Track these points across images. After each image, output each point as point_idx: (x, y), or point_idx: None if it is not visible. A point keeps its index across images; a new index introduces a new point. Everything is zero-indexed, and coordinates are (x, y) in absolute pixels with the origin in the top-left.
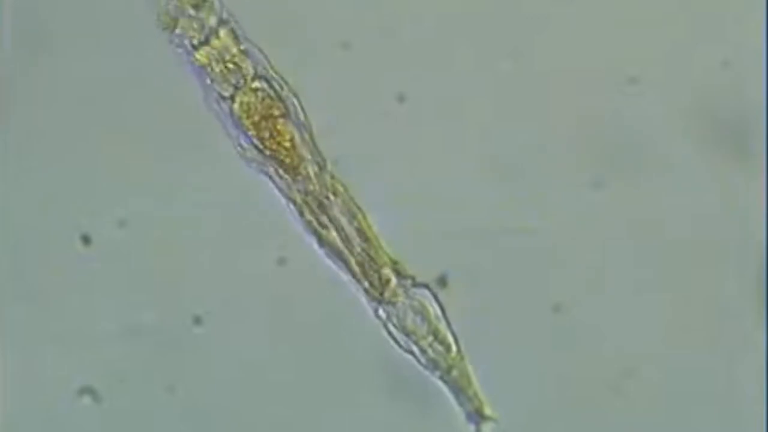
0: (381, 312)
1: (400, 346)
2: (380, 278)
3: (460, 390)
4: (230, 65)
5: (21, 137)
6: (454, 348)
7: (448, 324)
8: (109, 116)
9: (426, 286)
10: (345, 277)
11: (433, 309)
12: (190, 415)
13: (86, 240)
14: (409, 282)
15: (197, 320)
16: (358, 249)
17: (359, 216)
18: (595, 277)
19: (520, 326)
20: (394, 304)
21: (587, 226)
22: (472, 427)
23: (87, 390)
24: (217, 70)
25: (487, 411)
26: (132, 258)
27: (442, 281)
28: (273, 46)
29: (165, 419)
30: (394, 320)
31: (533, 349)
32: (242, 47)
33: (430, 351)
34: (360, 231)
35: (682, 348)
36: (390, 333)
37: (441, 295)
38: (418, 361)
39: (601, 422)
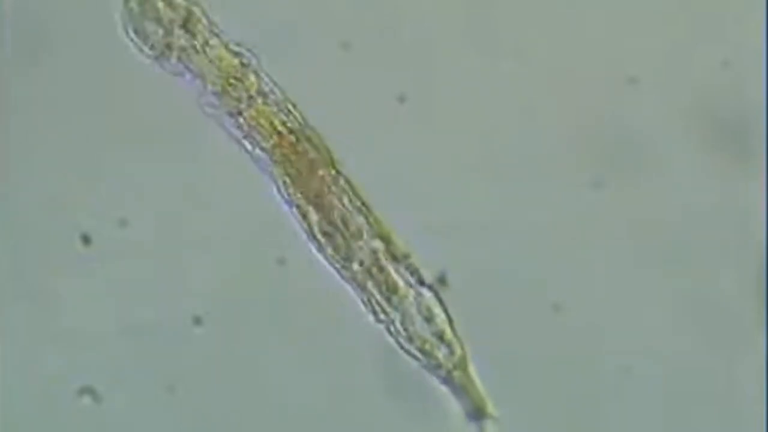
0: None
1: (403, 348)
2: (387, 283)
3: (462, 390)
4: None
5: (21, 137)
6: (458, 350)
7: (453, 327)
8: (109, 116)
9: (430, 286)
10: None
11: (441, 312)
12: (190, 415)
13: (86, 240)
14: (415, 281)
15: (197, 320)
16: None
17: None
18: (595, 277)
19: (520, 326)
20: (401, 307)
21: (587, 226)
22: (472, 426)
23: (87, 390)
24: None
25: (489, 409)
26: (132, 258)
27: (442, 280)
28: (273, 46)
29: (165, 419)
30: (400, 326)
31: (533, 349)
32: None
33: (435, 352)
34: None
35: (682, 348)
36: (395, 338)
37: (441, 295)
38: (421, 363)
39: (600, 422)
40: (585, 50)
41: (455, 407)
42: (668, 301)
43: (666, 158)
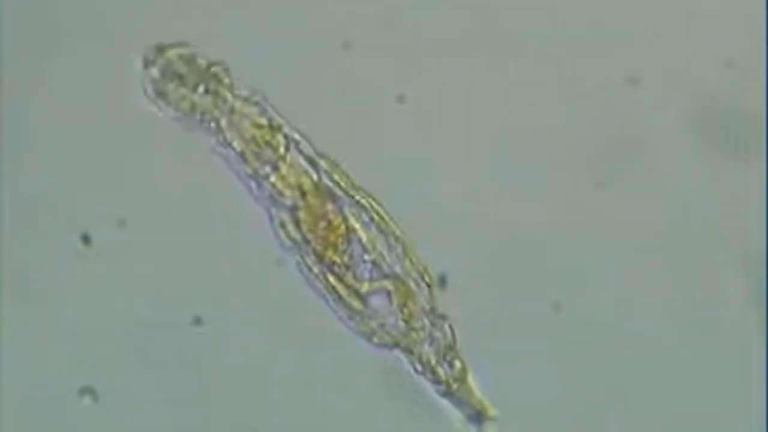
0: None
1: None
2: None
3: (461, 400)
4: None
5: (21, 137)
6: (458, 364)
7: (455, 340)
8: (109, 116)
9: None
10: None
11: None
12: (190, 414)
13: (86, 240)
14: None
15: (197, 320)
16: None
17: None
18: (595, 277)
19: (520, 326)
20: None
21: (589, 225)
22: (472, 428)
23: (87, 390)
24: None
25: (490, 412)
26: (132, 258)
27: (442, 281)
28: (273, 46)
29: (165, 419)
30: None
31: (533, 349)
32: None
33: (436, 369)
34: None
35: (683, 348)
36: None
37: (441, 295)
38: (422, 376)
39: (601, 422)
40: (585, 50)
41: (454, 408)
42: (669, 301)
43: (667, 158)
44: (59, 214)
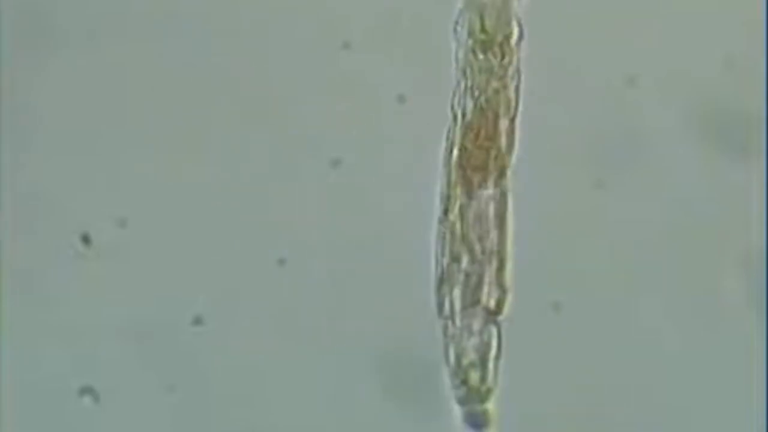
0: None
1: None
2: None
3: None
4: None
5: (21, 137)
6: (489, 383)
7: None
8: (109, 115)
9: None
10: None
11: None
12: (190, 415)
13: (86, 240)
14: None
15: (197, 320)
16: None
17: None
18: (595, 277)
19: (520, 326)
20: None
21: (588, 225)
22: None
23: (87, 390)
24: None
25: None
26: (132, 258)
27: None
28: (273, 45)
29: (165, 419)
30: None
31: (533, 349)
32: None
33: (470, 371)
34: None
35: (683, 348)
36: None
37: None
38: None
39: (601, 422)
40: (585, 50)
41: (454, 408)
42: (669, 301)
43: (667, 158)
44: (59, 214)
